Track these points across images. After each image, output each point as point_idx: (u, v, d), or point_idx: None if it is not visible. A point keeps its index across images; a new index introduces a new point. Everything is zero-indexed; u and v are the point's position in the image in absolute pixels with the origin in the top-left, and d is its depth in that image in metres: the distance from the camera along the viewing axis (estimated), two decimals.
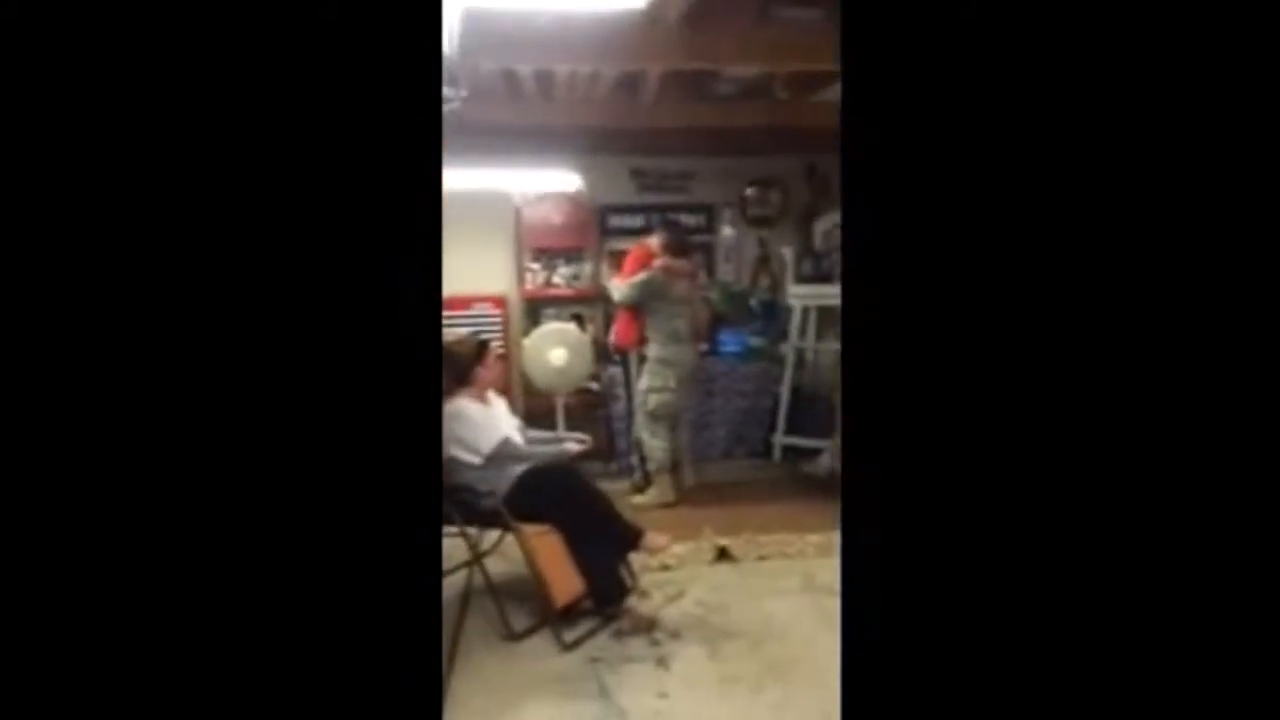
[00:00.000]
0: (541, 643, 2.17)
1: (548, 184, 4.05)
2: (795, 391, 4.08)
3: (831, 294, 3.90)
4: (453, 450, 2.34)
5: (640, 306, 3.44)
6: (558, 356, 3.80)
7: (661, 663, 2.07)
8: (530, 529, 2.26)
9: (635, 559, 2.48)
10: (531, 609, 2.30)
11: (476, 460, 2.35)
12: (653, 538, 2.43)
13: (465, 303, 4.00)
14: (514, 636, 2.20)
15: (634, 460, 3.68)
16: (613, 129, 3.65)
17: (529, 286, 4.20)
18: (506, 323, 4.08)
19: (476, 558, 2.31)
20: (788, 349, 4.07)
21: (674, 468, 3.55)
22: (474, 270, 4.09)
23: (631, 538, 2.41)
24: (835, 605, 1.99)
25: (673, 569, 2.70)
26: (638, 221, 4.33)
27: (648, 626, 2.25)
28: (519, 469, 2.37)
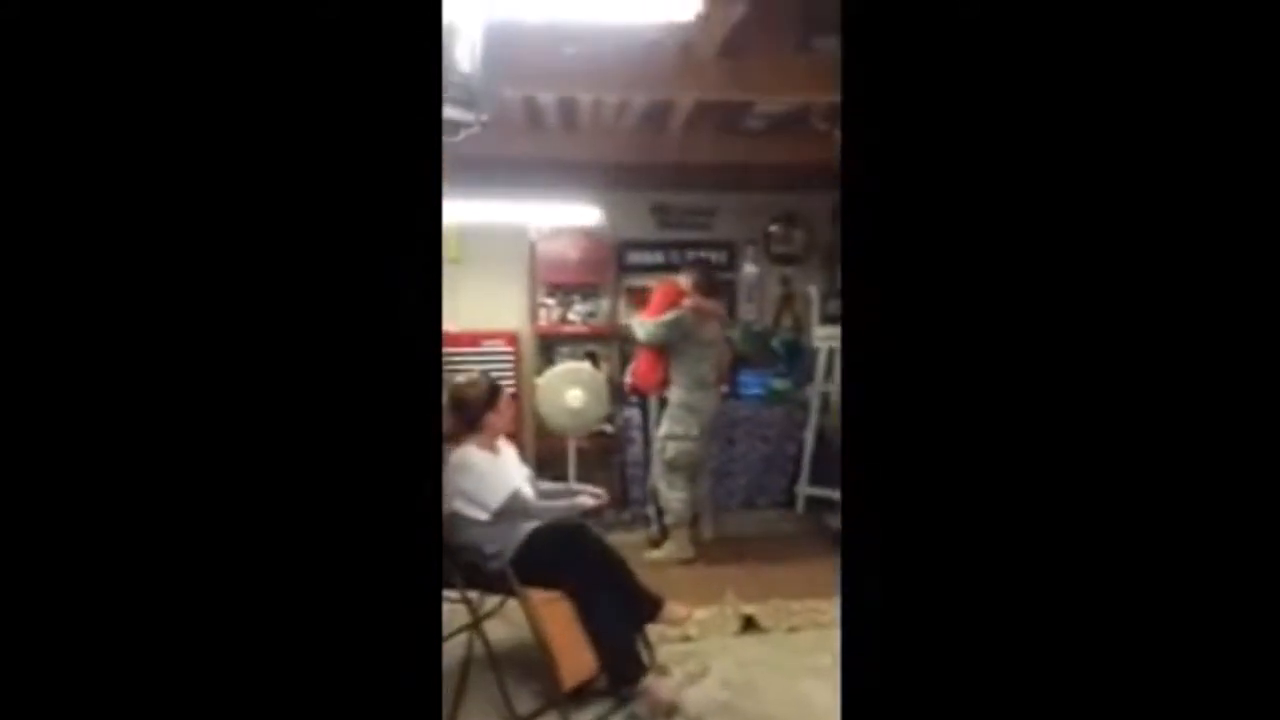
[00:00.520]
0: None
1: (565, 218, 3.91)
2: (820, 438, 3.86)
3: None
4: (456, 505, 2.13)
5: (666, 347, 3.25)
6: (574, 397, 3.61)
7: None
8: (538, 595, 2.04)
9: (653, 629, 2.24)
10: (538, 686, 2.06)
11: (483, 516, 2.14)
12: (673, 609, 2.20)
13: (475, 339, 3.83)
14: None
15: (650, 511, 3.45)
16: (635, 164, 3.51)
17: (543, 323, 4.03)
18: (518, 361, 3.90)
19: (476, 622, 2.08)
20: (812, 393, 3.86)
21: (693, 521, 3.32)
22: (486, 306, 3.93)
23: (650, 607, 2.18)
24: None
25: (694, 640, 2.46)
26: (657, 258, 4.18)
27: (667, 711, 2.01)
28: (529, 526, 2.16)
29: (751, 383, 4.01)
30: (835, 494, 3.66)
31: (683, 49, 2.10)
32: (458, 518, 2.13)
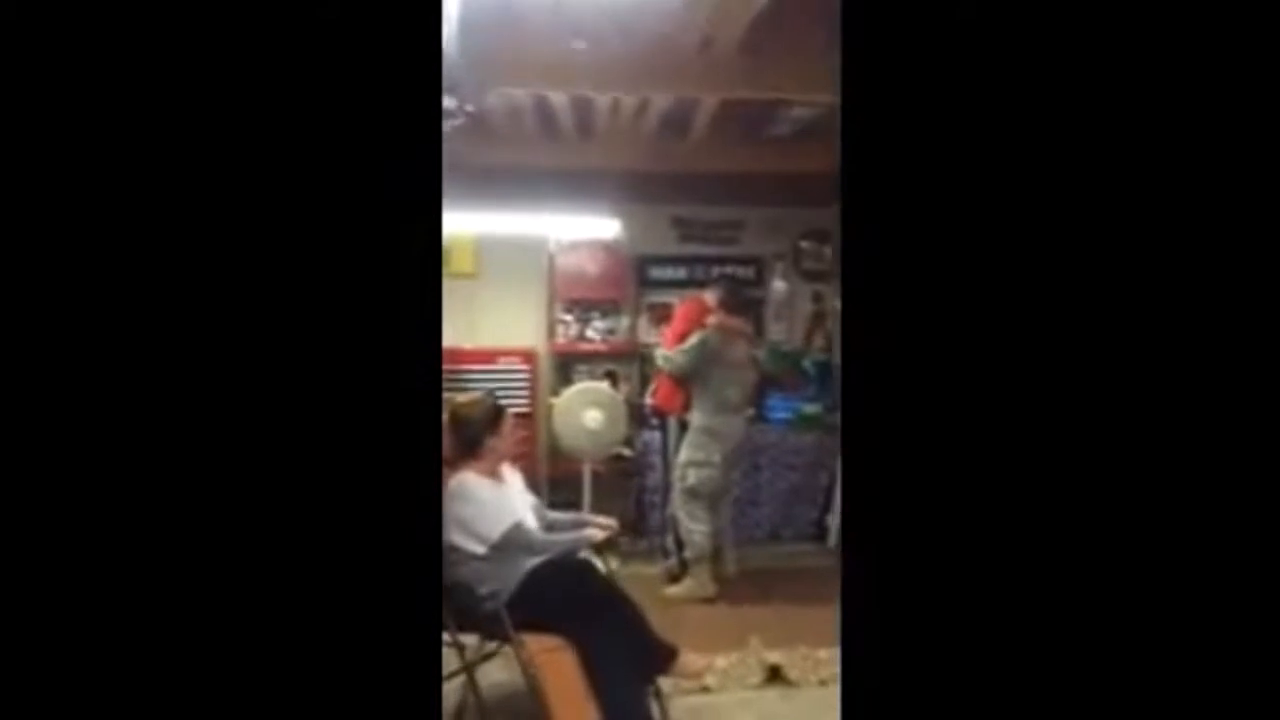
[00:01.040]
0: None
1: (583, 230, 3.75)
2: None
3: None
4: (452, 536, 1.95)
5: (692, 373, 3.04)
6: (591, 419, 3.42)
7: None
8: (536, 643, 1.83)
9: (667, 681, 2.01)
10: None
11: (480, 550, 1.95)
12: (689, 660, 1.97)
13: (490, 356, 3.68)
14: None
15: (668, 543, 3.22)
16: (655, 173, 3.34)
17: (560, 340, 3.86)
18: (534, 380, 3.73)
19: (466, 667, 1.88)
20: None
21: (714, 554, 3.08)
22: (502, 322, 3.78)
23: (662, 657, 1.95)
24: None
25: (713, 691, 2.22)
26: (680, 274, 3.99)
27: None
28: (530, 563, 1.96)
29: (779, 406, 3.77)
30: None
31: (701, 45, 1.92)
32: (453, 551, 1.94)
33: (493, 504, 2.01)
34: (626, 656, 1.87)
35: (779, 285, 4.08)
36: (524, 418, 3.63)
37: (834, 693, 2.23)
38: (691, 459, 3.01)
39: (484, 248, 3.73)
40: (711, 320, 3.03)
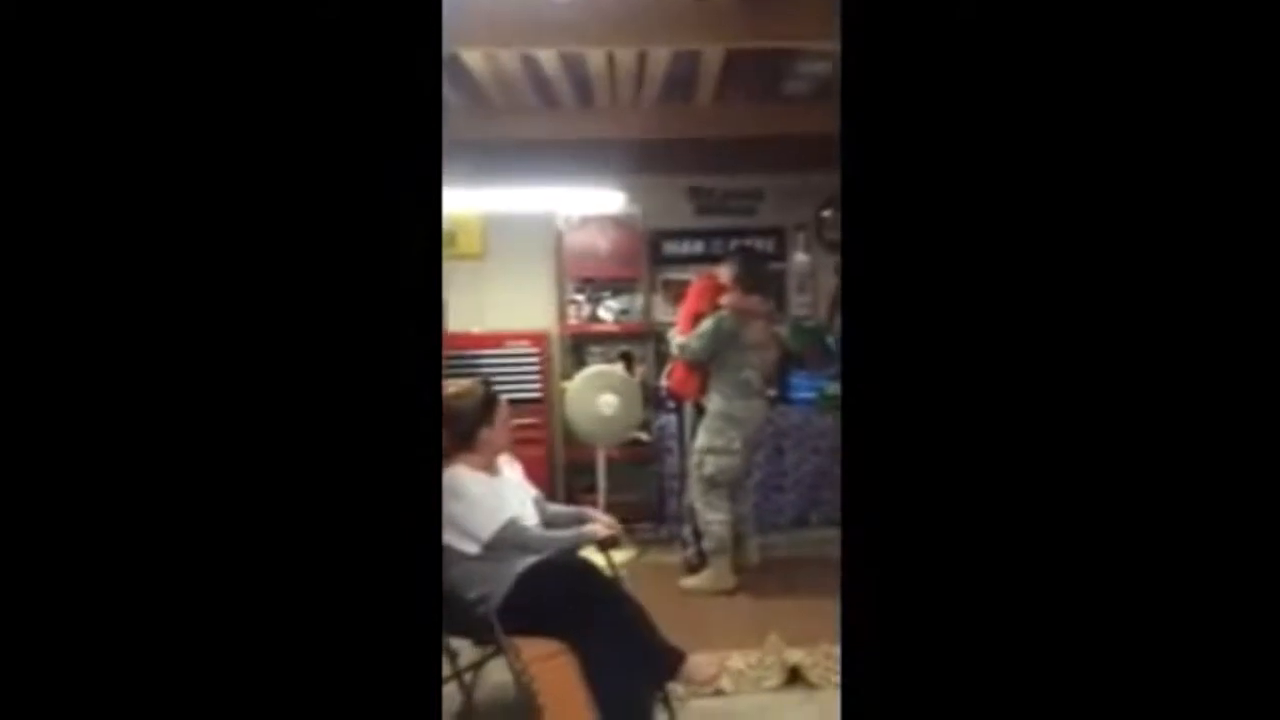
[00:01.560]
0: None
1: (591, 205, 3.58)
2: None
3: None
4: (443, 535, 1.83)
5: (709, 359, 2.86)
6: (606, 404, 3.28)
7: None
8: (532, 649, 1.70)
9: (674, 688, 1.87)
10: None
11: (472, 549, 1.83)
12: (698, 665, 1.82)
13: (498, 340, 3.55)
14: None
15: (685, 533, 3.07)
16: (665, 142, 3.14)
17: (572, 322, 3.71)
18: (546, 363, 3.60)
19: (458, 673, 1.77)
20: None
21: (735, 542, 2.92)
22: (509, 303, 3.63)
23: (669, 663, 1.81)
24: None
25: (728, 695, 2.08)
26: (697, 248, 3.79)
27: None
28: (525, 563, 1.83)
29: (803, 385, 3.57)
30: None
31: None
32: (444, 551, 1.82)
33: (486, 500, 1.89)
34: (630, 662, 1.74)
35: (801, 257, 3.85)
36: (535, 404, 3.51)
37: None
38: (709, 445, 2.84)
39: (490, 227, 3.58)
40: (726, 300, 2.84)
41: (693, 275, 3.40)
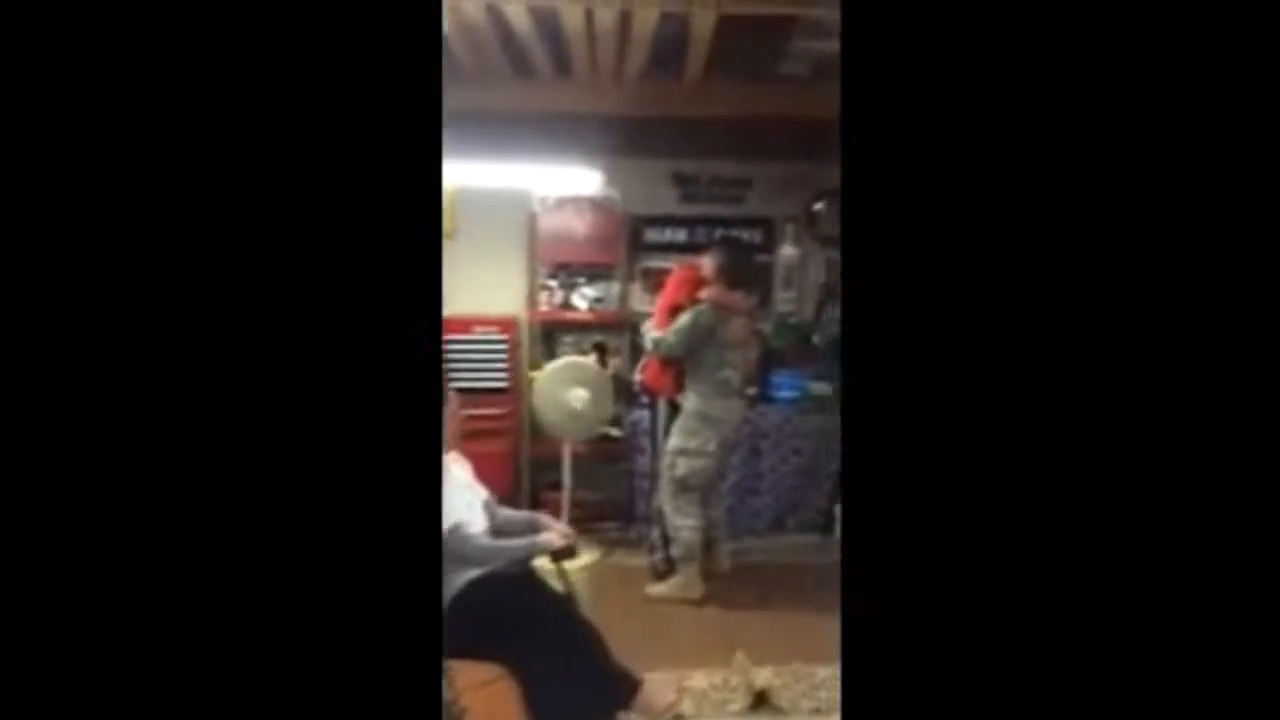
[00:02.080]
0: None
1: (567, 185, 3.37)
2: None
3: None
4: None
5: (686, 357, 2.68)
6: (576, 397, 3.09)
7: None
8: (468, 674, 1.52)
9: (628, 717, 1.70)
10: None
11: None
12: (654, 692, 1.66)
13: (465, 325, 3.34)
14: None
15: (654, 537, 2.90)
16: (650, 120, 2.93)
17: (544, 308, 3.51)
18: (514, 351, 3.39)
19: None
20: None
21: (706, 547, 2.76)
22: (478, 286, 3.42)
23: (622, 690, 1.64)
24: None
25: (688, 719, 1.91)
26: (679, 236, 3.60)
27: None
28: (467, 576, 1.65)
29: (785, 384, 3.41)
30: None
31: None
32: None
33: None
34: (578, 689, 1.57)
35: (789, 251, 3.68)
36: (501, 394, 3.32)
37: None
38: (683, 446, 2.66)
39: (460, 205, 3.36)
40: (706, 294, 2.65)
41: (674, 264, 3.22)
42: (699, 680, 2.07)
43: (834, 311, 3.68)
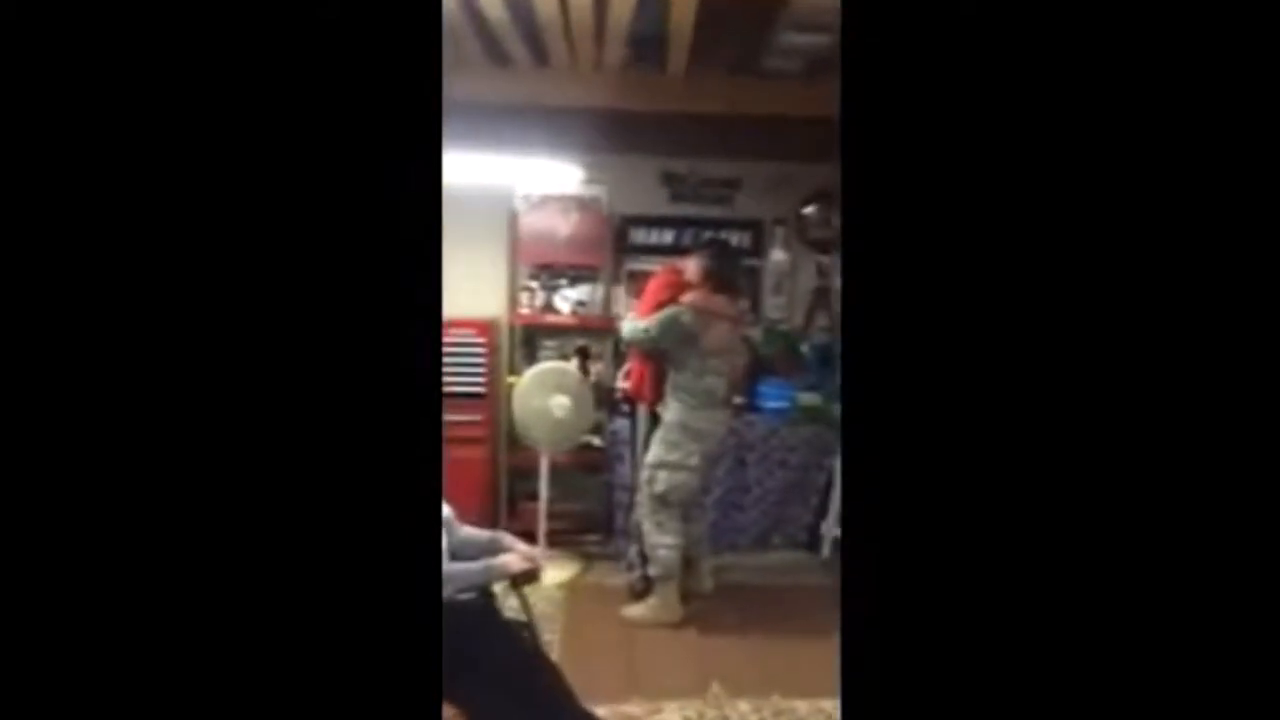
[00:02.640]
0: None
1: (553, 183, 3.24)
2: None
3: None
4: None
5: (659, 353, 2.54)
6: (558, 405, 2.96)
7: None
8: None
9: None
10: None
11: None
12: None
13: (441, 327, 3.20)
14: None
15: (632, 554, 2.77)
16: (638, 117, 2.80)
17: (524, 311, 3.37)
18: (491, 354, 3.26)
19: None
20: None
21: (686, 566, 2.63)
22: (455, 285, 3.25)
23: None
24: None
25: None
26: (667, 238, 3.47)
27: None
28: None
29: (773, 394, 3.27)
30: None
31: None
32: None
33: None
34: None
35: (779, 255, 3.55)
36: (478, 399, 3.18)
37: None
38: (663, 460, 2.53)
39: None
40: (688, 298, 2.52)
41: (658, 266, 3.08)
42: (671, 715, 1.94)
43: (824, 319, 3.56)
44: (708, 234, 3.35)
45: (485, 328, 3.25)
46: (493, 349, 3.25)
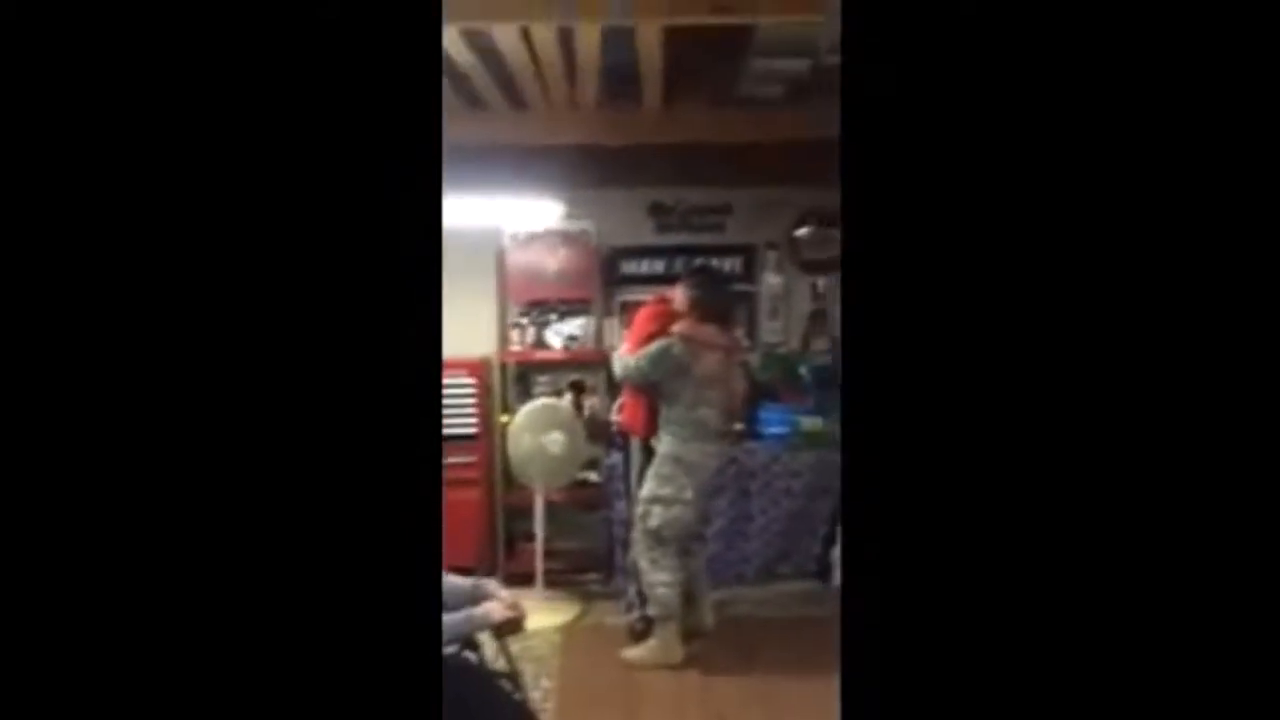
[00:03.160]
0: None
1: (540, 220, 3.24)
2: None
3: None
4: None
5: (653, 386, 2.50)
6: (553, 442, 2.92)
7: None
8: None
9: None
10: None
11: None
12: None
13: None
14: None
15: (631, 593, 2.69)
16: (620, 151, 2.81)
17: (515, 348, 3.35)
18: (483, 396, 3.23)
19: None
20: None
21: (686, 604, 2.55)
22: (446, 328, 3.26)
23: None
24: None
25: None
26: (658, 267, 3.45)
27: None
28: None
29: (774, 420, 3.21)
30: None
31: None
32: None
33: None
34: None
35: (773, 279, 3.51)
36: (471, 440, 3.14)
37: None
38: (656, 494, 2.47)
39: None
40: (677, 329, 2.48)
41: (649, 296, 3.06)
42: None
43: (822, 342, 3.51)
44: (697, 261, 3.32)
45: (477, 368, 3.23)
46: (484, 389, 3.23)
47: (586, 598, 3.01)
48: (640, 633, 2.56)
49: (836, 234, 3.54)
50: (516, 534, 3.32)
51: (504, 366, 3.39)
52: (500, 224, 3.28)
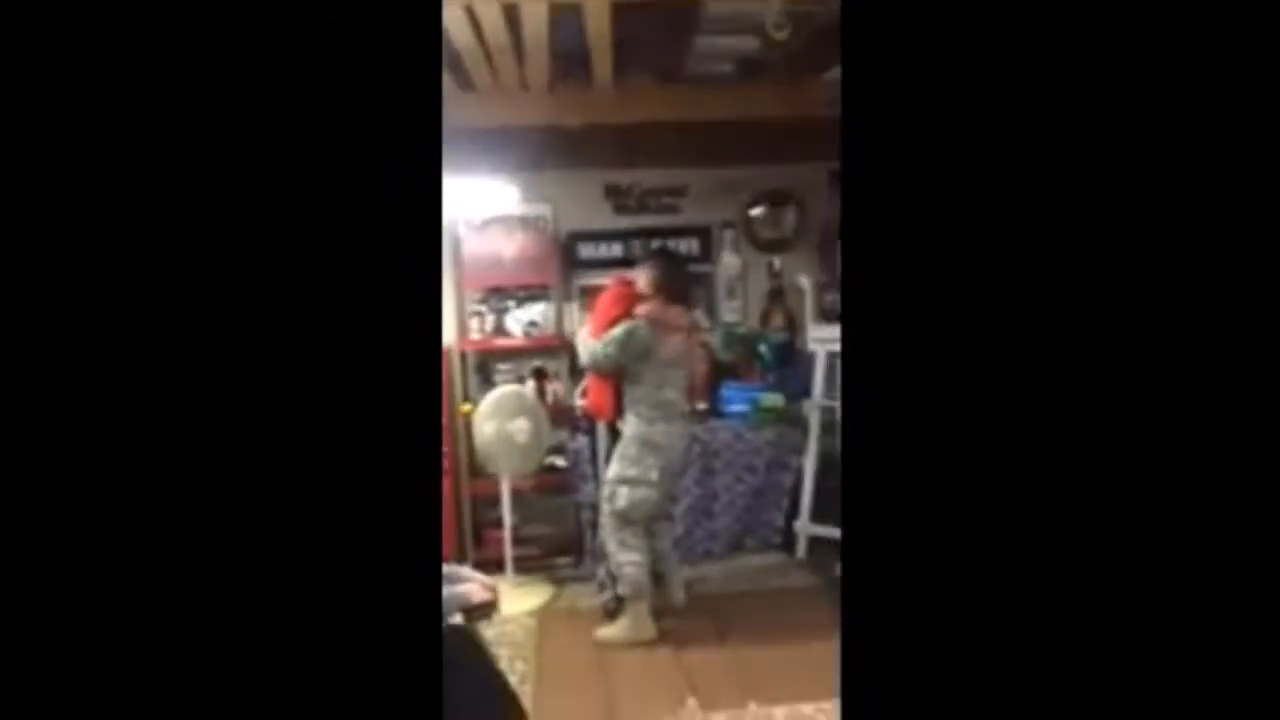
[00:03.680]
0: None
1: (492, 205, 3.20)
2: (823, 464, 3.11)
3: None
4: None
5: (618, 368, 2.51)
6: (519, 430, 2.91)
7: None
8: None
9: None
10: None
11: None
12: None
13: None
14: None
15: (601, 574, 2.72)
16: (573, 132, 2.78)
17: (475, 336, 3.32)
18: (444, 385, 3.19)
19: None
20: (810, 408, 3.11)
21: (656, 582, 2.58)
22: None
23: None
24: None
25: None
26: (615, 251, 3.45)
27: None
28: None
29: (735, 398, 3.26)
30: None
31: None
32: None
33: None
34: None
35: (730, 259, 3.55)
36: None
37: None
38: (623, 475, 2.49)
39: None
40: (641, 310, 2.49)
41: (610, 280, 3.06)
42: None
43: (779, 318, 3.56)
44: (655, 244, 3.33)
45: None
46: (444, 379, 3.19)
47: (558, 582, 3.02)
48: (613, 612, 2.59)
49: (790, 214, 3.60)
50: (483, 522, 3.30)
51: (464, 355, 3.35)
52: (455, 211, 3.23)
